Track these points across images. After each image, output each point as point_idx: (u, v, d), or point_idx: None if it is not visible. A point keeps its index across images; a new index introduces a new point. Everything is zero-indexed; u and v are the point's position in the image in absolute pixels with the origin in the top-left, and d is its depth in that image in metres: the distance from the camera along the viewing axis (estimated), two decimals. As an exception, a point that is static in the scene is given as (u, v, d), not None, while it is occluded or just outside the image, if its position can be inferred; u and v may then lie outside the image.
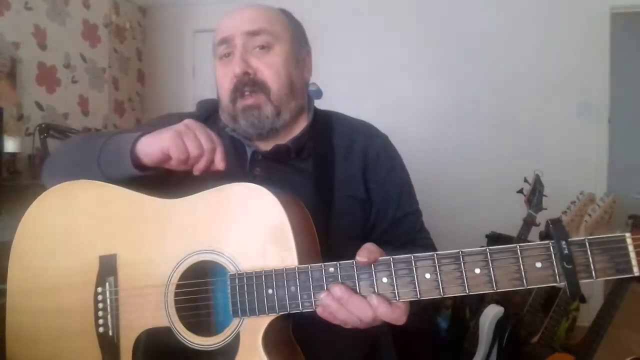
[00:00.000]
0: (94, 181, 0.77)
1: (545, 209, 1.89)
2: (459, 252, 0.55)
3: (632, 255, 0.50)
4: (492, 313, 1.68)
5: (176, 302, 0.70)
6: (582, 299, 2.49)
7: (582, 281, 0.51)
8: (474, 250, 0.55)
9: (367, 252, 0.58)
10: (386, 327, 0.90)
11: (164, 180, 0.78)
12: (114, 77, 3.62)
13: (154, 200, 0.74)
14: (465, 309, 2.15)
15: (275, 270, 0.63)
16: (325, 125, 0.90)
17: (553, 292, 1.72)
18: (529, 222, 1.91)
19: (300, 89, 0.88)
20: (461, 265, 0.55)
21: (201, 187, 0.71)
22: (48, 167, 0.87)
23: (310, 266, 0.61)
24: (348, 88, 3.36)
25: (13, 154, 2.51)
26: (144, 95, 4.03)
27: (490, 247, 0.54)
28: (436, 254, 0.56)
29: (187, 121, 0.72)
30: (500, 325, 1.65)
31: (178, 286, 0.70)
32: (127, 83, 3.81)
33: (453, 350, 1.88)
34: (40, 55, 2.91)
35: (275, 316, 0.64)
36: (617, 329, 1.89)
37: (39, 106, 2.90)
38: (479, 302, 1.95)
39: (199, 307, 0.70)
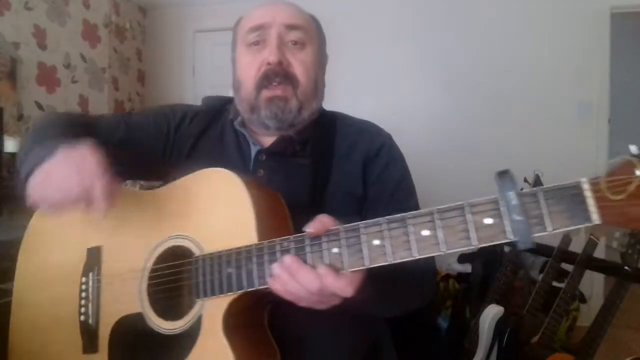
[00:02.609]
0: None
1: (545, 209, 1.88)
2: (406, 215, 0.53)
3: (590, 202, 0.45)
4: (492, 313, 1.67)
5: (149, 287, 0.72)
6: (582, 299, 2.48)
7: (537, 234, 0.47)
8: (421, 212, 0.52)
9: (317, 223, 0.58)
10: (385, 327, 0.90)
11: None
12: (114, 77, 3.62)
13: (137, 192, 0.79)
14: (465, 309, 2.15)
15: (234, 249, 0.64)
16: (329, 125, 0.90)
17: (553, 292, 1.72)
18: (529, 222, 1.90)
19: (321, 91, 0.90)
20: (408, 227, 0.52)
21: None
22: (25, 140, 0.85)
23: (267, 242, 0.61)
24: (348, 87, 3.35)
25: (13, 154, 2.50)
26: (144, 95, 4.03)
27: (438, 207, 0.51)
28: (385, 219, 0.54)
29: (53, 165, 0.66)
30: (500, 325, 1.65)
31: (152, 271, 0.72)
32: (127, 83, 3.81)
33: (453, 350, 1.88)
34: (40, 55, 2.91)
35: (235, 296, 0.64)
36: (617, 329, 1.89)
37: (39, 106, 2.90)
38: (479, 302, 1.95)
39: (169, 292, 0.72)
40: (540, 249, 1.97)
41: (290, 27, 0.83)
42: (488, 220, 0.49)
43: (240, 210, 0.65)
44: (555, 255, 1.69)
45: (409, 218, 0.53)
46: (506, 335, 1.63)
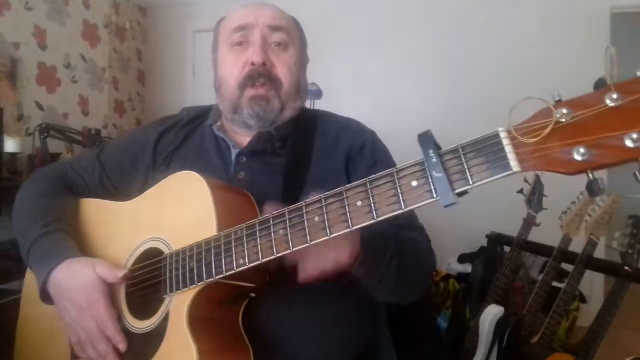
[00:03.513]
0: (83, 199, 0.87)
1: (545, 209, 1.88)
2: (343, 187, 0.54)
3: (508, 149, 0.45)
4: (492, 313, 1.67)
5: (126, 288, 0.75)
6: (582, 299, 2.48)
7: (459, 189, 0.47)
8: (355, 183, 0.53)
9: (265, 205, 0.61)
10: (384, 327, 0.90)
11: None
12: (114, 77, 3.62)
13: (118, 204, 0.82)
14: (465, 309, 2.15)
15: (195, 243, 0.66)
16: (310, 123, 0.90)
17: (553, 292, 1.72)
18: (529, 222, 1.90)
19: (303, 91, 0.91)
20: (344, 200, 0.53)
21: None
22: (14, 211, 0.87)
23: (223, 232, 0.63)
24: (348, 88, 3.36)
25: (13, 154, 2.51)
26: (144, 95, 4.03)
27: (370, 177, 0.52)
28: (325, 194, 0.55)
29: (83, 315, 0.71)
30: (500, 325, 1.65)
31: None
32: (127, 83, 3.81)
33: (453, 350, 1.88)
34: (40, 55, 2.91)
35: (197, 289, 0.65)
36: (617, 329, 1.89)
37: (39, 106, 2.91)
38: (479, 302, 1.95)
39: (142, 291, 0.74)
40: (540, 249, 1.98)
41: (274, 29, 0.84)
42: (414, 182, 0.50)
43: (202, 209, 0.67)
44: (555, 255, 1.69)
45: (345, 190, 0.54)
46: (506, 335, 1.63)
